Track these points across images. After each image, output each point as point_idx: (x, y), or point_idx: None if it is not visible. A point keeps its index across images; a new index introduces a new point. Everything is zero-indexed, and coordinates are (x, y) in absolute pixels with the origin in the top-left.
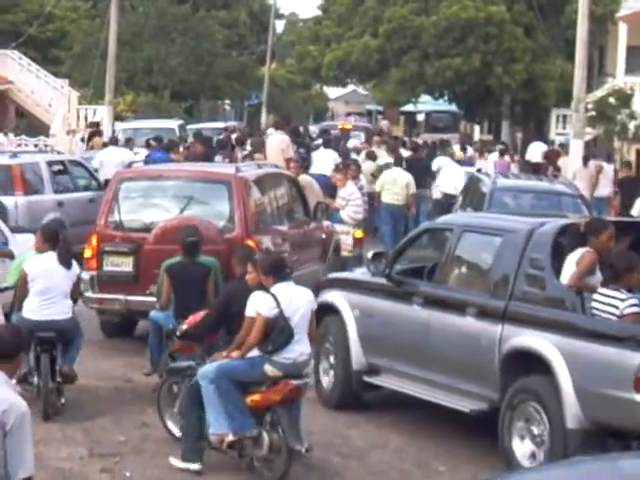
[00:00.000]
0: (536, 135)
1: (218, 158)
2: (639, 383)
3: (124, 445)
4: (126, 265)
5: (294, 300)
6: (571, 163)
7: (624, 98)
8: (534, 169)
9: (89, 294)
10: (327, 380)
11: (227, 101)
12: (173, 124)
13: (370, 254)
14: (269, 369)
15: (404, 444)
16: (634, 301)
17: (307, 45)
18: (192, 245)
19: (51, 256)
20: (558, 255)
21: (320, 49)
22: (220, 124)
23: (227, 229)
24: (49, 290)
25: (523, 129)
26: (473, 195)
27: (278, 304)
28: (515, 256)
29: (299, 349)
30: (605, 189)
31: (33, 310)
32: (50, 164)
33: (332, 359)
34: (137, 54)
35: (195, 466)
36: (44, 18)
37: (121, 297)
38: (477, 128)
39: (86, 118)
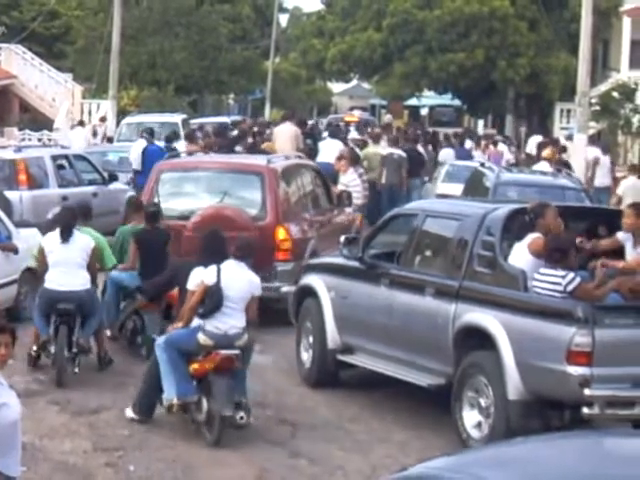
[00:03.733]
0: (540, 129)
1: (239, 148)
2: (571, 355)
3: (128, 439)
4: None
5: (235, 278)
6: (575, 157)
7: (628, 92)
8: (533, 161)
9: None
10: (306, 358)
11: (231, 95)
12: (177, 118)
13: (342, 238)
14: (202, 337)
15: (408, 438)
16: (572, 275)
17: (311, 39)
18: (154, 214)
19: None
20: (509, 238)
21: (324, 43)
22: (224, 118)
23: (259, 217)
24: (62, 261)
25: (527, 123)
26: (476, 189)
27: (219, 273)
28: (469, 238)
29: (231, 322)
30: (604, 179)
31: (52, 280)
32: (54, 158)
33: (311, 339)
34: (141, 48)
35: (137, 417)
36: (49, 15)
37: None
38: (481, 122)
39: (90, 112)
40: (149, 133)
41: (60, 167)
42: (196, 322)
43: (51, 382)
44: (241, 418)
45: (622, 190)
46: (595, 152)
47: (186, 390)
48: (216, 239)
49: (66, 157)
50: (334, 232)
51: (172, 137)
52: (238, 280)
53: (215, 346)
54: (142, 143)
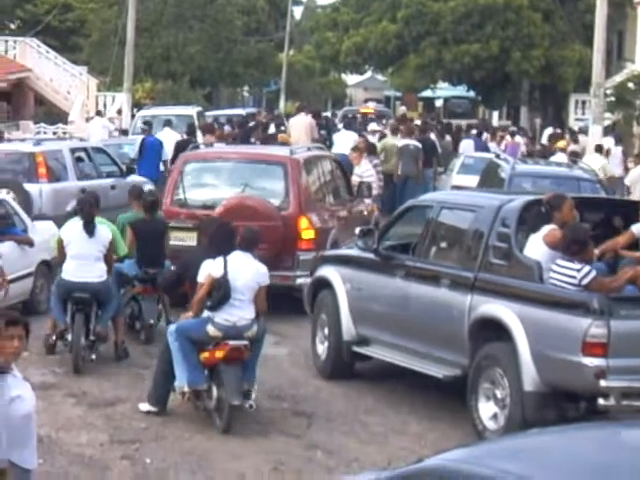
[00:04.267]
0: (555, 121)
1: (253, 139)
2: (586, 347)
3: (145, 432)
4: (190, 240)
5: (242, 269)
6: (590, 148)
7: None
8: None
9: None
10: (322, 350)
11: (246, 88)
12: (192, 111)
13: (358, 230)
14: (211, 329)
15: (424, 430)
16: (588, 268)
17: (325, 31)
18: (152, 204)
19: (80, 223)
20: (524, 229)
21: (338, 35)
22: (239, 110)
23: (283, 207)
24: (82, 254)
25: (542, 115)
26: (492, 180)
27: (226, 266)
28: (484, 230)
29: (239, 314)
30: (616, 169)
31: (69, 272)
32: (73, 151)
33: (326, 330)
34: (155, 41)
35: (154, 409)
36: (63, 8)
37: None
38: (495, 114)
39: (105, 105)
40: (148, 125)
41: (79, 160)
42: (206, 313)
43: (67, 374)
44: (250, 407)
45: (629, 180)
46: (608, 143)
47: (197, 378)
48: (225, 231)
49: (84, 150)
50: (354, 222)
51: (193, 129)
52: (245, 271)
53: (224, 337)
54: (166, 133)
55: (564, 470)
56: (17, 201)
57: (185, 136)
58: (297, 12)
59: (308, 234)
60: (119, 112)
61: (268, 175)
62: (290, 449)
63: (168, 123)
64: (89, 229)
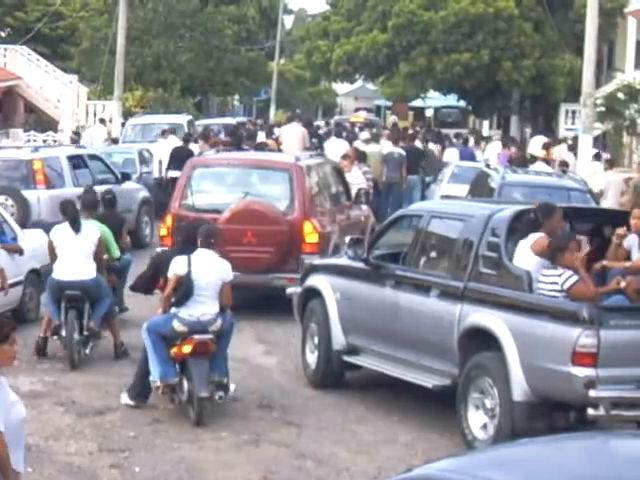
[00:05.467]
0: (545, 130)
1: (245, 147)
2: (576, 356)
3: (134, 441)
4: None
5: (205, 266)
6: (580, 158)
7: (633, 93)
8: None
9: None
10: (312, 360)
11: (236, 96)
12: (182, 119)
13: (347, 239)
14: (176, 324)
15: (414, 439)
16: (569, 273)
17: (316, 40)
18: (110, 201)
19: (67, 224)
20: (514, 239)
21: (329, 44)
22: (229, 119)
23: (288, 211)
24: (71, 253)
25: (532, 124)
26: (482, 190)
27: (189, 264)
28: (474, 239)
29: (203, 309)
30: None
31: (60, 271)
32: (70, 158)
33: (316, 340)
34: (146, 50)
35: (132, 402)
36: (54, 16)
37: None
38: (486, 123)
39: (95, 114)
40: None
41: (75, 167)
42: (173, 309)
43: (56, 383)
44: (220, 398)
45: (603, 184)
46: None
47: (168, 372)
48: (192, 230)
49: (81, 157)
50: (352, 228)
51: (188, 138)
52: (208, 268)
53: (190, 332)
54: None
55: None
56: (15, 208)
57: (182, 143)
58: (288, 21)
59: (312, 238)
60: (102, 121)
61: (273, 181)
62: (280, 458)
63: (173, 131)
64: (75, 227)
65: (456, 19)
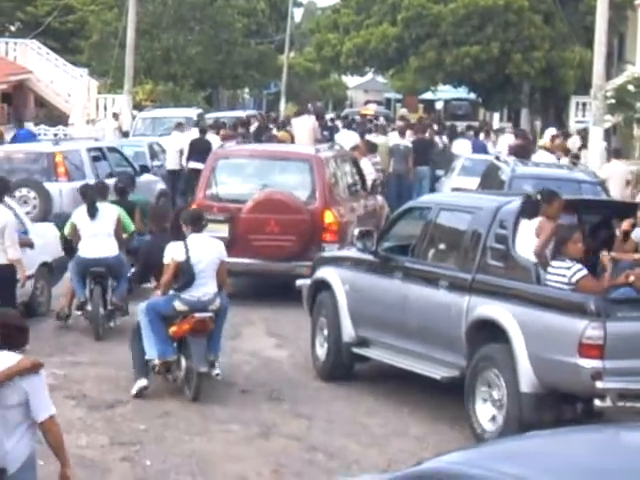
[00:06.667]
0: (555, 123)
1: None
2: (583, 348)
3: (145, 434)
4: (222, 231)
5: (202, 249)
6: (591, 150)
7: None
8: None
9: None
10: (322, 352)
11: (246, 90)
12: (192, 113)
13: (356, 232)
14: (177, 304)
15: (425, 432)
16: (578, 266)
17: (326, 33)
18: (122, 189)
19: (85, 207)
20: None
21: (339, 37)
22: (239, 113)
23: (309, 201)
24: (93, 233)
25: (542, 117)
26: (492, 183)
27: (187, 250)
28: (482, 231)
29: (203, 290)
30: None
31: (84, 249)
32: (89, 151)
33: (326, 332)
34: (155, 43)
35: (142, 382)
36: (64, 10)
37: None
38: (496, 116)
39: (105, 107)
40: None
41: (95, 159)
42: (173, 291)
43: (67, 377)
44: (217, 375)
45: (605, 174)
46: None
47: (166, 350)
48: (167, 216)
49: (100, 150)
50: (369, 217)
51: (205, 129)
52: (205, 251)
53: (190, 311)
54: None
55: (562, 473)
56: (38, 200)
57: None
58: (297, 14)
59: (333, 227)
60: (115, 116)
61: (295, 171)
62: (290, 451)
63: (189, 124)
64: (92, 211)
65: (466, 12)
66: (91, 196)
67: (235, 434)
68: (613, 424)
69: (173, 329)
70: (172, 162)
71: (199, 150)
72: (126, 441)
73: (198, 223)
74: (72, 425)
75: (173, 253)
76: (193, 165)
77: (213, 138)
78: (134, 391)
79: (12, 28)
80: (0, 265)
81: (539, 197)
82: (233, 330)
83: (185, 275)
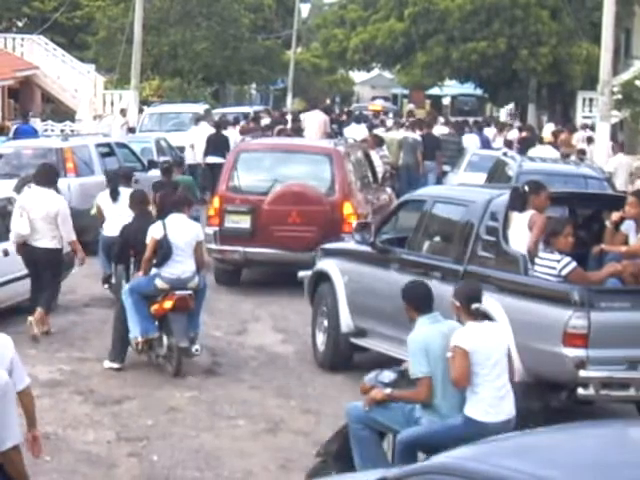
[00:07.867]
0: (562, 118)
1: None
2: (567, 337)
3: (151, 429)
4: (244, 222)
5: (180, 228)
6: (597, 146)
7: None
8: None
9: (212, 246)
10: (321, 342)
11: (253, 85)
12: (199, 108)
13: (355, 224)
14: (159, 282)
15: None
16: (567, 259)
17: (332, 29)
18: (167, 169)
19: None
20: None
21: (345, 33)
22: (246, 108)
23: (329, 193)
24: (116, 214)
25: (549, 112)
26: (499, 178)
27: (165, 227)
28: (474, 223)
29: (182, 267)
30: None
31: (108, 229)
32: (98, 146)
33: (326, 322)
34: (162, 39)
35: (115, 364)
36: (71, 5)
37: (240, 249)
38: (503, 111)
39: (112, 103)
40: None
41: (103, 155)
42: (154, 270)
43: (74, 372)
44: (196, 350)
45: (611, 167)
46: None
47: (148, 328)
48: (167, 197)
49: (108, 145)
50: (381, 208)
51: (220, 124)
52: (182, 230)
53: (171, 289)
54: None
55: (570, 468)
56: None
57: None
58: (304, 9)
59: (352, 218)
60: (122, 112)
61: (315, 164)
62: (298, 446)
63: (205, 119)
64: (114, 195)
65: (473, 7)
66: (114, 180)
67: (242, 429)
68: (622, 420)
69: (155, 307)
70: (192, 156)
71: (216, 145)
72: (133, 437)
73: (177, 205)
74: (79, 421)
75: (153, 232)
76: (210, 160)
77: (230, 133)
78: (105, 367)
79: (19, 24)
80: (51, 249)
81: (526, 189)
82: (240, 326)
83: (163, 250)
